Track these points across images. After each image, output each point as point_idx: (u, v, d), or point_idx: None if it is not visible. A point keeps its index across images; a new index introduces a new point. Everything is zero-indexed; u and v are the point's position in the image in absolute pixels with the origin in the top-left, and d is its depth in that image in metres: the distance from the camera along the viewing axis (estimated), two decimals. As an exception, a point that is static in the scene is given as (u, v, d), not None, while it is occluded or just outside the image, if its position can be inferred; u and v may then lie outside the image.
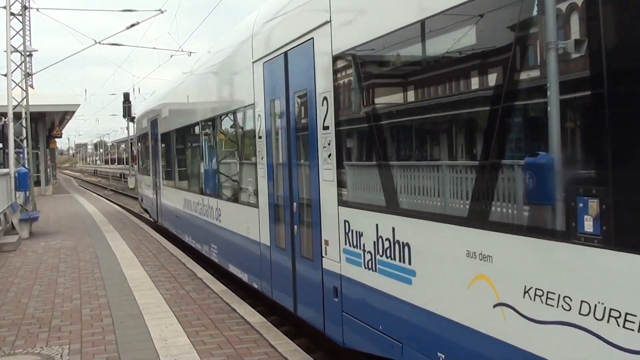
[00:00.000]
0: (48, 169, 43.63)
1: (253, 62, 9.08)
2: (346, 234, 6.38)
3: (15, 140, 24.06)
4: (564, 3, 3.76)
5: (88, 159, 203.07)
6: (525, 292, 4.03)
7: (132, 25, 27.56)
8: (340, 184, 6.48)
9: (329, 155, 6.58)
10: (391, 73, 5.94)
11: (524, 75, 4.13)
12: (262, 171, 8.82)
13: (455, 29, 4.73)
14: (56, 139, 50.97)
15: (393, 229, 5.54)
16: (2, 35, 25.48)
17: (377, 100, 6.05)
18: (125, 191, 49.14)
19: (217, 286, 10.76)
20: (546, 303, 3.86)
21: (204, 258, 13.76)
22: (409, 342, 5.44)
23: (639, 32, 3.34)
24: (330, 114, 6.53)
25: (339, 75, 6.49)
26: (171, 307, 9.29)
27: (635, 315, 3.30)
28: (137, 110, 27.17)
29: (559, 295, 3.77)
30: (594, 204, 3.51)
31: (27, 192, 24.61)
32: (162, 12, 28.67)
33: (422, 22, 5.00)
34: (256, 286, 9.47)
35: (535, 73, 4.08)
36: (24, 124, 27.56)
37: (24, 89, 27.97)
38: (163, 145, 18.42)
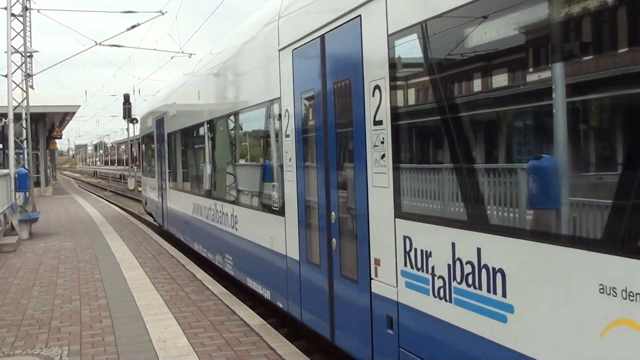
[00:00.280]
0: (48, 170, 43.64)
1: (280, 50, 7.96)
2: (406, 253, 5.24)
3: (15, 141, 24.08)
4: None
5: (88, 160, 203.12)
6: None
7: (133, 27, 27.57)
8: (398, 191, 5.33)
9: (382, 156, 5.50)
10: (471, 53, 4.64)
11: None
12: (290, 174, 7.74)
13: None
14: (56, 140, 50.95)
15: (479, 250, 4.35)
16: (2, 36, 25.53)
17: (452, 87, 4.79)
18: (125, 192, 49.17)
19: (217, 288, 10.76)
20: None
21: (204, 260, 13.76)
22: None
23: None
24: (384, 106, 5.43)
25: (396, 58, 5.34)
26: (171, 309, 9.29)
27: None
28: (141, 110, 25.99)
29: None
30: None
31: (27, 193, 24.65)
32: (162, 13, 28.69)
33: None
34: (281, 305, 8.40)
35: None
36: (24, 125, 27.56)
37: (25, 89, 27.98)
38: (170, 145, 17.22)
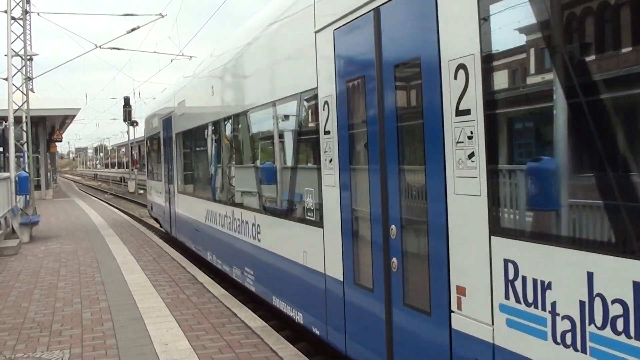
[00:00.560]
0: (48, 173, 43.66)
1: (316, 32, 6.82)
2: (508, 282, 4.04)
3: (15, 144, 24.07)
4: None
5: (88, 163, 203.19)
6: None
7: (133, 30, 27.59)
8: (495, 200, 4.13)
9: (470, 155, 4.29)
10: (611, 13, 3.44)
11: None
12: (331, 178, 6.54)
13: None
14: (56, 143, 50.97)
15: (636, 285, 3.20)
16: (2, 39, 25.65)
17: (581, 63, 3.57)
18: (126, 195, 49.20)
19: (218, 290, 10.76)
20: None
21: (205, 262, 13.75)
22: None
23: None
24: (472, 91, 4.24)
25: (491, 28, 4.12)
26: (172, 312, 9.29)
27: None
28: (146, 110, 24.58)
29: None
30: None
31: (28, 196, 24.62)
32: (162, 16, 28.70)
33: None
34: (318, 332, 7.20)
35: None
36: (24, 128, 27.58)
37: (25, 93, 28.00)
38: (178, 146, 16.00)
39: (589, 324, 3.47)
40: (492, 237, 4.15)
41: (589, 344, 3.49)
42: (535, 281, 3.83)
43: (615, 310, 3.32)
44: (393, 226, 5.37)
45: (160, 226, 21.32)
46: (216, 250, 12.25)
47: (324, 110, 6.66)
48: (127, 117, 49.15)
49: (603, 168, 3.40)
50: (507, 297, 4.05)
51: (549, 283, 3.73)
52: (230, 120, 10.84)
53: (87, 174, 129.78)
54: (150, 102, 26.59)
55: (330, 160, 6.54)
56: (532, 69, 4.04)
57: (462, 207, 4.42)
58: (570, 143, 3.67)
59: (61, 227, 22.10)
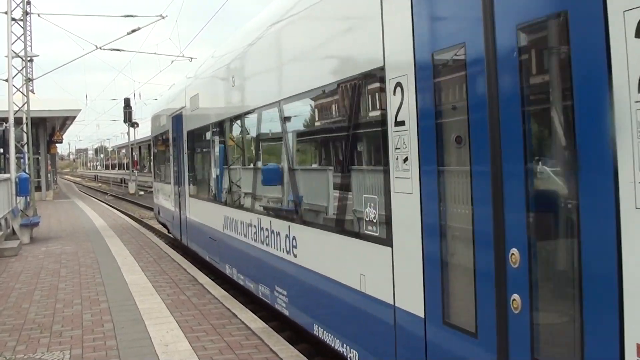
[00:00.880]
0: (49, 174, 43.66)
1: None
2: None
3: (16, 146, 24.07)
4: None
5: (88, 164, 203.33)
6: None
7: (133, 31, 27.61)
8: None
9: None
10: None
11: None
12: (406, 183, 5.08)
13: None
14: (57, 144, 50.96)
15: None
16: (3, 41, 25.66)
17: None
18: (126, 196, 49.20)
19: (218, 291, 10.75)
20: None
21: (205, 263, 13.74)
22: None
23: None
24: None
25: None
26: (172, 313, 9.28)
27: None
28: (152, 108, 23.17)
29: None
30: None
31: (28, 198, 24.65)
32: (163, 17, 28.73)
33: None
34: None
35: None
36: (24, 129, 27.60)
37: (25, 94, 28.02)
38: (190, 145, 14.60)
39: None
40: None
41: None
42: None
43: None
44: (515, 250, 3.89)
45: (168, 232, 19.96)
46: (237, 263, 10.77)
47: (394, 94, 5.19)
48: (128, 118, 49.18)
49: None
50: None
51: None
52: (256, 115, 9.35)
53: (88, 175, 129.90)
54: (151, 102, 26.44)
55: (405, 160, 5.07)
56: None
57: None
58: None
59: (61, 228, 22.10)
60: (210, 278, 12.21)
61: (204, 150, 13.44)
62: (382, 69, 5.42)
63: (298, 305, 7.90)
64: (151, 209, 34.43)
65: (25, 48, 28.91)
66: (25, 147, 27.94)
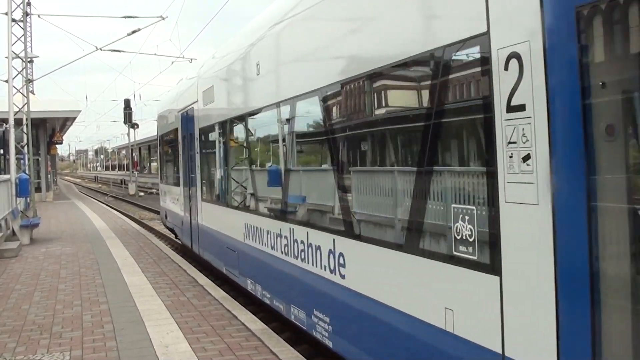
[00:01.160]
0: (49, 175, 43.66)
1: None
2: None
3: (16, 147, 24.08)
4: None
5: (89, 165, 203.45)
6: None
7: (134, 32, 27.64)
8: None
9: None
10: None
11: None
12: (524, 190, 3.82)
13: None
14: (57, 145, 50.99)
15: None
16: (3, 41, 25.70)
17: None
18: (126, 197, 49.20)
19: (218, 293, 10.75)
20: None
21: (205, 264, 13.72)
22: None
23: None
24: None
25: None
26: (172, 314, 9.27)
27: None
28: (159, 105, 21.72)
29: None
30: None
31: (28, 199, 24.63)
32: (163, 18, 28.74)
33: None
34: None
35: None
36: (24, 130, 27.58)
37: (25, 95, 28.01)
38: (204, 144, 13.25)
39: None
40: None
41: None
42: None
43: None
44: None
45: (176, 237, 18.81)
46: (262, 279, 9.35)
47: (506, 69, 3.92)
48: (128, 119, 49.24)
49: None
50: None
51: None
52: (288, 106, 7.90)
53: (88, 176, 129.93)
54: (151, 103, 26.26)
55: (526, 158, 3.78)
56: None
57: None
58: None
59: (61, 230, 22.09)
60: (210, 279, 12.21)
61: (220, 149, 11.91)
62: (485, 35, 4.08)
63: (347, 336, 6.45)
64: (151, 210, 34.49)
65: (25, 49, 28.90)
66: (25, 148, 27.92)
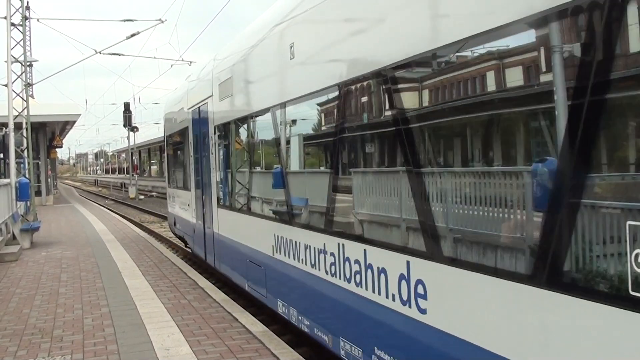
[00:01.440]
0: (49, 179, 43.66)
1: None
2: None
3: (16, 151, 24.09)
4: None
5: (88, 169, 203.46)
6: None
7: (133, 35, 27.62)
8: None
9: None
10: None
11: None
12: None
13: None
14: (57, 149, 50.98)
15: None
16: (2, 46, 25.69)
17: None
18: (126, 201, 49.21)
19: (219, 295, 10.76)
20: None
21: (206, 266, 13.71)
22: None
23: None
24: None
25: None
26: (173, 317, 9.28)
27: None
28: (166, 102, 19.95)
29: None
30: None
31: (28, 202, 24.62)
32: (162, 21, 28.74)
33: None
34: None
35: None
36: (24, 134, 27.58)
37: (25, 99, 28.01)
38: (220, 142, 11.66)
39: None
40: None
41: None
42: None
43: None
44: None
45: (186, 245, 17.56)
46: (298, 302, 7.90)
47: None
48: (128, 122, 49.28)
49: None
50: None
51: None
52: (338, 92, 6.34)
53: (88, 180, 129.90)
54: (150, 106, 26.18)
55: None
56: None
57: None
58: None
59: (62, 233, 22.10)
60: (210, 282, 12.21)
61: (243, 147, 10.54)
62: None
63: None
64: (152, 214, 34.51)
65: (24, 53, 28.87)
66: (25, 152, 27.90)
